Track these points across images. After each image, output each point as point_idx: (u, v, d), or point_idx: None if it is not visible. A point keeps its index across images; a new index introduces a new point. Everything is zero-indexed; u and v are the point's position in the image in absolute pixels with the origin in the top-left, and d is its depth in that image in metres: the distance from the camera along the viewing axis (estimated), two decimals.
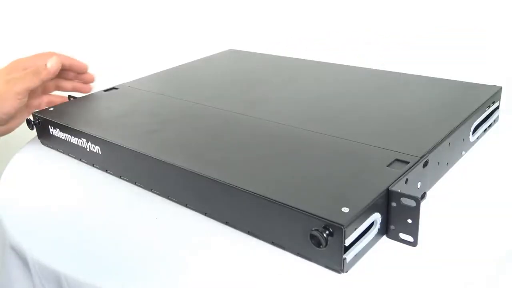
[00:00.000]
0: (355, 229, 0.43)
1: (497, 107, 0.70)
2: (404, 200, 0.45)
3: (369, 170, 0.51)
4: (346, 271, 0.43)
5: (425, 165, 0.52)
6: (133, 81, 0.83)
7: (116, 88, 0.80)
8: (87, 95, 0.77)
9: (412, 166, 0.50)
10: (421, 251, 0.46)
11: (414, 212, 0.45)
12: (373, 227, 0.46)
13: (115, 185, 0.60)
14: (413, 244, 0.46)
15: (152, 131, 0.62)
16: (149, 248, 0.49)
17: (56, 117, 0.68)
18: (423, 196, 0.51)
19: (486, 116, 0.67)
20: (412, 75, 0.79)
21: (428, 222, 0.49)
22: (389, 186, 0.46)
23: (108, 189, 0.60)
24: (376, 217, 0.46)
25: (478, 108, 0.64)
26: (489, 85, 0.70)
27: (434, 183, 0.56)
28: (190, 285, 0.44)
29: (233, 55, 0.99)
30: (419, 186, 0.51)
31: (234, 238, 0.49)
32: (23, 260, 0.51)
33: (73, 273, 0.45)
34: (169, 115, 0.68)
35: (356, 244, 0.44)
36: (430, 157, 0.52)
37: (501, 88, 0.70)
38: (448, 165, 0.59)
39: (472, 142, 0.64)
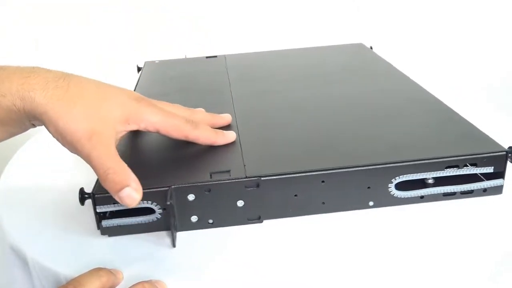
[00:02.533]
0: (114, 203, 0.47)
1: (494, 175, 0.52)
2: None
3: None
4: (106, 235, 0.50)
5: (255, 186, 0.49)
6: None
7: None
8: None
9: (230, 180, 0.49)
10: (421, 251, 0.46)
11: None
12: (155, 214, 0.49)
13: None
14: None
15: None
16: (149, 248, 0.49)
17: None
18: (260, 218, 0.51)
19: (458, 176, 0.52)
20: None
21: (428, 222, 0.50)
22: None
23: None
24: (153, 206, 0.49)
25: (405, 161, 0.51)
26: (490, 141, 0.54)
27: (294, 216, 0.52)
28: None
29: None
30: (239, 204, 0.50)
31: None
32: (23, 260, 0.51)
33: (73, 273, 0.45)
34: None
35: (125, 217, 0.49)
36: (262, 182, 0.49)
37: (506, 154, 0.52)
38: (327, 205, 0.52)
39: (404, 199, 0.52)
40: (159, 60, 0.91)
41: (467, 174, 0.52)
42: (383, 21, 1.26)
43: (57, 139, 0.47)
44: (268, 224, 0.51)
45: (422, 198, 0.52)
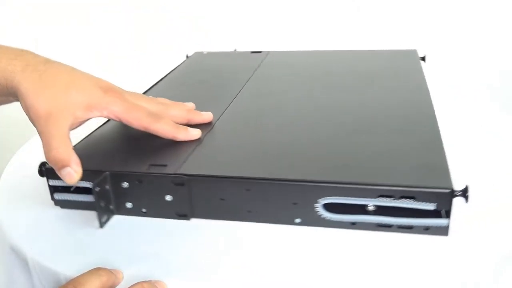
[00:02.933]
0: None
1: (438, 213, 0.47)
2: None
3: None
4: (58, 206, 0.55)
5: (181, 183, 0.50)
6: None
7: None
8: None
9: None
10: (422, 251, 0.46)
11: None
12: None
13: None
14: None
15: None
16: (149, 248, 0.49)
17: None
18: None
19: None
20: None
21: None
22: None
23: None
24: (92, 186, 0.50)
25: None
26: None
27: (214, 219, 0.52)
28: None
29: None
30: (168, 199, 0.51)
31: None
32: (23, 260, 0.51)
33: (73, 273, 0.45)
34: None
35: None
36: (187, 181, 0.50)
37: (451, 193, 0.46)
38: (253, 214, 0.51)
39: (334, 222, 0.49)
40: (207, 52, 0.93)
41: (418, 208, 0.46)
42: (383, 21, 1.26)
43: (26, 114, 0.53)
44: (269, 224, 0.51)
45: (353, 225, 0.49)
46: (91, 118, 0.55)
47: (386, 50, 0.88)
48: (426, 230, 0.47)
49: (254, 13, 1.29)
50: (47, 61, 0.54)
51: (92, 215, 0.54)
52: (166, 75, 0.82)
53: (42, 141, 0.51)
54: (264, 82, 0.76)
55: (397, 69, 0.78)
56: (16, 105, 0.61)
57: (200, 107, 0.64)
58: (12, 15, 1.20)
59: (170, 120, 0.58)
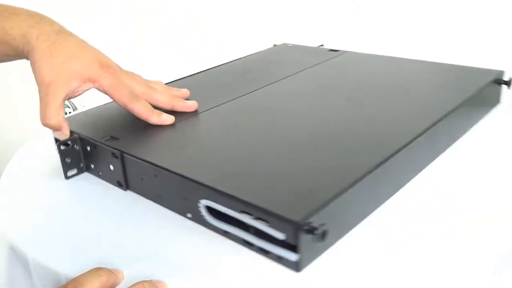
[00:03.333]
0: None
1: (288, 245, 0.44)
2: None
3: None
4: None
5: (117, 157, 0.57)
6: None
7: None
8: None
9: None
10: (421, 251, 0.46)
11: None
12: None
13: (116, 186, 0.60)
14: None
15: None
16: (151, 248, 0.49)
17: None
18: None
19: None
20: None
21: (427, 222, 0.49)
22: None
23: (109, 189, 0.60)
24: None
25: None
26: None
27: None
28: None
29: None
30: (111, 168, 0.59)
31: None
32: (23, 260, 0.51)
33: (73, 273, 0.44)
34: None
35: None
36: (121, 156, 0.57)
37: (298, 225, 0.42)
38: (163, 199, 0.55)
39: (213, 226, 0.49)
40: (292, 44, 0.94)
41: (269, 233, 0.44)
42: (382, 20, 1.26)
43: (34, 77, 0.59)
44: None
45: (226, 234, 0.48)
46: (86, 89, 0.61)
47: (467, 67, 0.77)
48: (280, 259, 0.45)
49: (256, 12, 1.29)
50: (60, 31, 0.61)
51: (92, 215, 0.55)
52: (236, 60, 0.88)
53: (40, 106, 0.58)
54: (294, 85, 0.75)
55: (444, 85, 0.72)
56: (16, 105, 0.61)
57: (209, 97, 0.70)
58: None
59: (147, 104, 0.63)
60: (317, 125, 0.61)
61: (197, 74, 0.82)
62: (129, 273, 0.46)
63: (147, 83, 0.66)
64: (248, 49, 0.94)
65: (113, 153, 0.57)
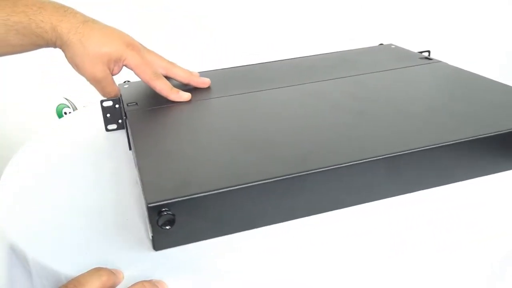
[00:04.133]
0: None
1: None
2: None
3: None
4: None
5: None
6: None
7: None
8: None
9: None
10: (420, 250, 0.46)
11: None
12: None
13: (116, 185, 0.60)
14: None
15: None
16: (150, 248, 0.48)
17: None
18: None
19: None
20: None
21: (427, 222, 0.49)
22: None
23: (110, 189, 0.59)
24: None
25: None
26: None
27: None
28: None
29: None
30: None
31: None
32: (23, 260, 0.50)
33: (74, 273, 0.44)
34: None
35: None
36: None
37: None
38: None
39: None
40: (395, 46, 0.90)
41: None
42: (384, 20, 1.25)
43: (73, 66, 0.69)
44: (270, 225, 0.51)
45: None
46: (121, 66, 0.71)
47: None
48: None
49: (258, 12, 1.29)
50: (84, 21, 0.68)
51: (92, 215, 0.54)
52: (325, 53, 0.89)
53: (99, 91, 0.71)
54: (327, 87, 0.73)
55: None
56: (16, 105, 0.61)
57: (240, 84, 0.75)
58: None
59: (167, 82, 0.71)
60: (283, 123, 0.61)
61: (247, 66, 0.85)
62: (130, 273, 0.45)
63: (165, 60, 0.75)
64: (255, 49, 0.94)
65: (125, 115, 0.67)
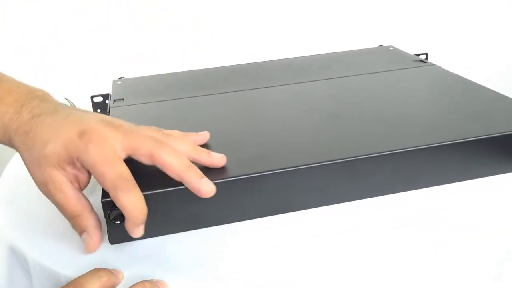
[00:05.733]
0: None
1: None
2: None
3: None
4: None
5: None
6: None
7: None
8: None
9: None
10: (420, 250, 0.46)
11: None
12: None
13: None
14: None
15: None
16: (150, 248, 0.48)
17: None
18: None
19: None
20: None
21: (427, 222, 0.49)
22: None
23: None
24: None
25: None
26: None
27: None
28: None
29: None
30: None
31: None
32: (23, 261, 0.50)
33: (73, 274, 0.44)
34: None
35: None
36: None
37: None
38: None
39: None
40: (393, 47, 0.91)
41: None
42: (386, 21, 1.26)
43: None
44: (270, 223, 0.51)
45: None
46: (84, 171, 0.48)
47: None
48: None
49: (258, 12, 1.29)
50: (38, 115, 0.49)
51: None
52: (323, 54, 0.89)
53: (58, 208, 0.48)
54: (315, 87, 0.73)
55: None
56: None
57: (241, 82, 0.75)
58: (13, 14, 1.21)
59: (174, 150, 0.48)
60: (254, 124, 0.62)
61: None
62: (130, 273, 0.45)
63: (161, 131, 0.52)
64: (255, 49, 0.94)
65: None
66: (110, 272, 0.44)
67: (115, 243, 0.49)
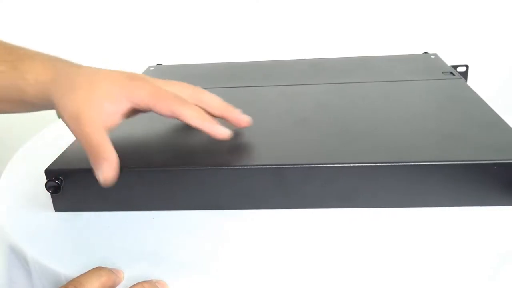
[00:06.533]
0: None
1: None
2: None
3: None
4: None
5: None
6: None
7: None
8: None
9: None
10: (420, 250, 0.46)
11: None
12: None
13: None
14: None
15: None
16: (151, 248, 0.49)
17: None
18: None
19: None
20: None
21: (428, 222, 0.49)
22: None
23: None
24: None
25: None
26: None
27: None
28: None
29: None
30: None
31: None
32: (23, 260, 0.50)
33: (74, 273, 0.44)
34: None
35: None
36: None
37: None
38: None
39: None
40: (435, 55, 0.89)
41: None
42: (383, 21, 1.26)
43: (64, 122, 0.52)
44: (270, 222, 0.51)
45: None
46: (124, 110, 0.52)
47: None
48: None
49: (259, 12, 1.28)
50: (70, 69, 0.54)
51: (92, 215, 0.54)
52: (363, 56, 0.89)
53: (84, 147, 0.50)
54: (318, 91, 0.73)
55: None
56: None
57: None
58: (20, 13, 1.20)
59: (198, 108, 0.53)
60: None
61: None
62: (130, 273, 0.45)
63: (186, 85, 0.56)
64: (264, 50, 0.94)
65: None
66: (110, 271, 0.44)
67: (58, 211, 0.54)
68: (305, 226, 0.50)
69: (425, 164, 0.49)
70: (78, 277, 0.43)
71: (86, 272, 0.44)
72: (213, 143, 0.53)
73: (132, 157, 0.54)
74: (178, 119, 0.52)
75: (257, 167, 0.51)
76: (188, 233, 0.51)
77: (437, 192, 0.51)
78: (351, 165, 0.50)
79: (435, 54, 0.89)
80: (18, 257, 0.51)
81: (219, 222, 0.52)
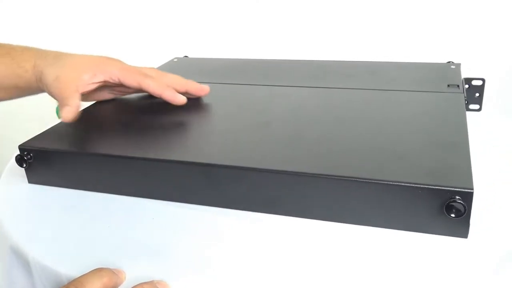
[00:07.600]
0: None
1: None
2: None
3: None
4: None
5: None
6: None
7: None
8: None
9: None
10: (420, 250, 0.46)
11: None
12: None
13: None
14: None
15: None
16: (151, 248, 0.49)
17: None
18: None
19: None
20: None
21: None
22: None
23: None
24: None
25: None
26: None
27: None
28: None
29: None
30: None
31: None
32: (24, 261, 0.50)
33: (75, 274, 0.44)
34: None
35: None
36: None
37: None
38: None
39: None
40: (456, 65, 0.84)
41: None
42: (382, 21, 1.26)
43: (47, 92, 0.64)
44: (270, 221, 0.51)
45: None
46: (98, 82, 0.64)
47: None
48: None
49: (259, 12, 1.29)
50: (67, 53, 0.66)
51: (91, 215, 0.54)
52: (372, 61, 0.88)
53: (58, 100, 0.62)
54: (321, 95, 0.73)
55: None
56: (16, 103, 0.61)
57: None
58: (39, 9, 1.20)
59: (160, 81, 0.66)
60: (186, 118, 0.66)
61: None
62: (131, 273, 0.45)
63: (155, 70, 0.70)
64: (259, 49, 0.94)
65: None
66: (111, 272, 0.44)
67: (31, 183, 0.61)
68: (300, 232, 0.51)
69: (346, 179, 0.48)
70: (80, 277, 0.43)
71: (88, 273, 0.44)
72: (162, 138, 0.60)
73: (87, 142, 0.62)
74: (143, 89, 0.66)
75: (187, 163, 0.54)
76: (188, 233, 0.51)
77: (361, 209, 0.49)
78: (274, 171, 0.50)
79: (457, 65, 0.83)
80: (18, 257, 0.51)
81: (223, 222, 0.52)
